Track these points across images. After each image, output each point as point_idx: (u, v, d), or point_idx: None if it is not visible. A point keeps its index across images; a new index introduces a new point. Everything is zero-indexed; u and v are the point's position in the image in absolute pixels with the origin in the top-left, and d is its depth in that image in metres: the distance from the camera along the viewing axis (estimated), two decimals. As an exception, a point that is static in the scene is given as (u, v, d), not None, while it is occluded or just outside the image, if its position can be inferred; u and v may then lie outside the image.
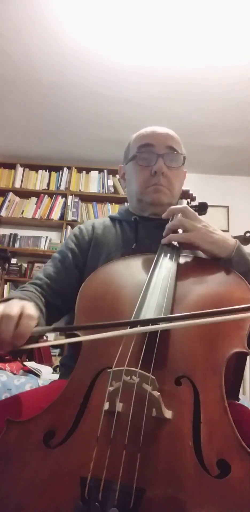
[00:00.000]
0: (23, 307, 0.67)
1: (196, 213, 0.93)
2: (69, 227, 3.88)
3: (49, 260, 1.06)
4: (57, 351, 3.44)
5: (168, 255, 0.86)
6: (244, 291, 0.75)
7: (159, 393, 0.51)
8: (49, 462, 0.51)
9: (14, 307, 0.66)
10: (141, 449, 0.48)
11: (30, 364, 2.15)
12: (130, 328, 0.63)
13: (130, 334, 0.62)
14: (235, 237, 0.92)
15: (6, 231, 4.04)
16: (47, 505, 0.47)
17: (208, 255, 0.89)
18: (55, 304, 0.96)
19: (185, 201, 1.14)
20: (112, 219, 1.14)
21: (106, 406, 0.54)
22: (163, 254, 0.87)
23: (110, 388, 0.52)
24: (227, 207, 3.96)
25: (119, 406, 0.54)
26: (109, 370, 0.54)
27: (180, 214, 0.91)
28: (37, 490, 0.49)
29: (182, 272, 0.82)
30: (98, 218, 1.16)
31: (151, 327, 0.61)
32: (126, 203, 1.21)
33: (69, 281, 0.99)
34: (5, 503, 0.48)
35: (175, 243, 0.91)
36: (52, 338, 3.65)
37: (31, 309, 0.69)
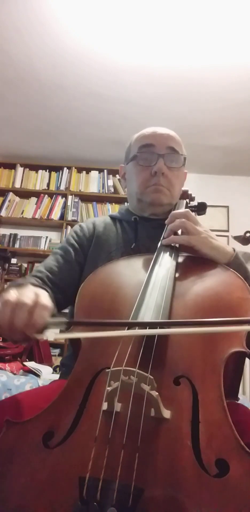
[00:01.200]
0: (38, 295, 0.66)
1: (197, 218, 0.93)
2: (69, 227, 3.88)
3: (50, 255, 1.06)
4: (57, 351, 3.44)
5: (167, 255, 0.86)
6: (242, 291, 0.75)
7: (157, 393, 0.51)
8: (48, 462, 0.51)
9: (29, 294, 0.65)
10: (139, 448, 0.48)
11: (30, 364, 2.15)
12: (129, 328, 0.63)
13: (128, 335, 0.62)
14: (235, 237, 0.93)
15: (6, 231, 4.04)
16: (46, 505, 0.47)
17: (208, 258, 0.88)
18: (56, 298, 0.95)
19: (184, 201, 1.14)
20: (112, 218, 1.14)
21: (104, 406, 0.54)
22: (161, 254, 0.87)
23: (108, 388, 0.53)
24: (227, 207, 3.97)
25: (117, 406, 0.54)
26: (107, 370, 0.54)
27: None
28: (36, 490, 0.49)
29: (180, 272, 0.82)
30: (99, 217, 1.17)
31: (148, 331, 0.61)
32: (126, 203, 1.22)
33: (70, 276, 1.00)
34: (5, 503, 0.48)
35: (175, 244, 0.91)
36: (52, 339, 3.65)
37: (46, 299, 0.67)
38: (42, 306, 0.64)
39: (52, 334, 0.63)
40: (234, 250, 0.90)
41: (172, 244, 0.90)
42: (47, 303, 0.66)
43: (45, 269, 0.99)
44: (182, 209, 0.99)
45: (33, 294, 0.65)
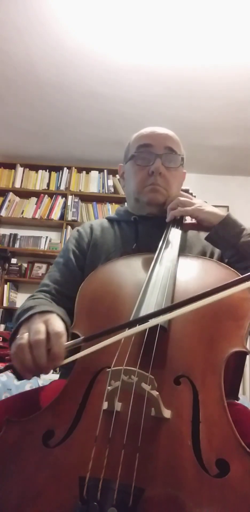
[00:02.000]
0: (47, 323, 0.65)
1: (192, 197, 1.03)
2: (69, 227, 3.88)
3: (52, 266, 1.06)
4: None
5: (168, 254, 0.86)
6: (243, 291, 0.75)
7: (157, 393, 0.51)
8: (48, 461, 0.51)
9: (39, 327, 0.63)
10: (140, 448, 0.48)
11: (30, 364, 2.14)
12: (129, 328, 0.62)
13: (129, 334, 0.61)
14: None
15: (6, 231, 4.03)
16: (46, 505, 0.47)
17: (205, 224, 0.96)
18: (66, 308, 0.94)
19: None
20: (110, 220, 1.14)
21: (105, 405, 0.54)
22: (162, 254, 0.87)
23: (109, 387, 0.52)
24: (227, 207, 3.96)
25: (118, 406, 0.54)
26: (108, 369, 0.54)
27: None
28: (36, 490, 0.49)
29: (181, 272, 0.82)
30: (96, 220, 1.17)
31: (149, 323, 0.60)
32: (125, 204, 1.22)
33: (75, 283, 0.98)
34: (4, 503, 0.48)
35: (176, 241, 0.92)
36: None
37: (56, 324, 0.65)
38: (56, 335, 0.62)
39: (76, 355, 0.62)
40: (228, 212, 0.98)
41: (174, 241, 0.91)
42: (59, 328, 0.64)
43: (51, 281, 0.99)
44: None
45: (42, 326, 0.64)
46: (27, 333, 0.63)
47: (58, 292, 0.97)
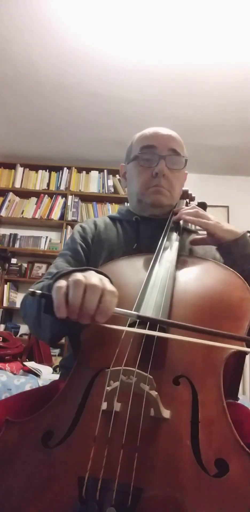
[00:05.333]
0: (102, 280, 0.63)
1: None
2: (69, 227, 3.88)
3: (59, 257, 1.03)
4: (57, 351, 3.44)
5: (167, 254, 0.87)
6: (242, 290, 0.75)
7: (156, 393, 0.51)
8: (48, 462, 0.51)
9: (96, 278, 0.62)
10: (139, 448, 0.48)
11: (30, 364, 2.16)
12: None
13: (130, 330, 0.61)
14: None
15: (6, 231, 4.04)
16: (46, 505, 0.47)
17: (221, 241, 0.91)
18: None
19: (184, 201, 1.14)
20: (112, 218, 1.14)
21: (104, 406, 0.54)
22: (161, 254, 0.87)
23: (108, 388, 0.53)
24: (227, 207, 3.96)
25: (117, 406, 0.54)
26: (107, 370, 0.54)
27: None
28: (35, 490, 0.49)
29: (180, 272, 0.82)
30: (99, 217, 1.16)
31: (148, 331, 0.61)
32: (126, 203, 1.22)
33: None
34: (4, 503, 0.48)
35: (176, 241, 0.91)
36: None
37: (110, 285, 0.64)
38: (110, 292, 0.62)
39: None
40: (245, 231, 0.93)
41: (173, 241, 0.91)
42: (113, 289, 0.63)
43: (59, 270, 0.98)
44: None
45: (98, 279, 0.63)
46: (83, 276, 0.62)
47: None
